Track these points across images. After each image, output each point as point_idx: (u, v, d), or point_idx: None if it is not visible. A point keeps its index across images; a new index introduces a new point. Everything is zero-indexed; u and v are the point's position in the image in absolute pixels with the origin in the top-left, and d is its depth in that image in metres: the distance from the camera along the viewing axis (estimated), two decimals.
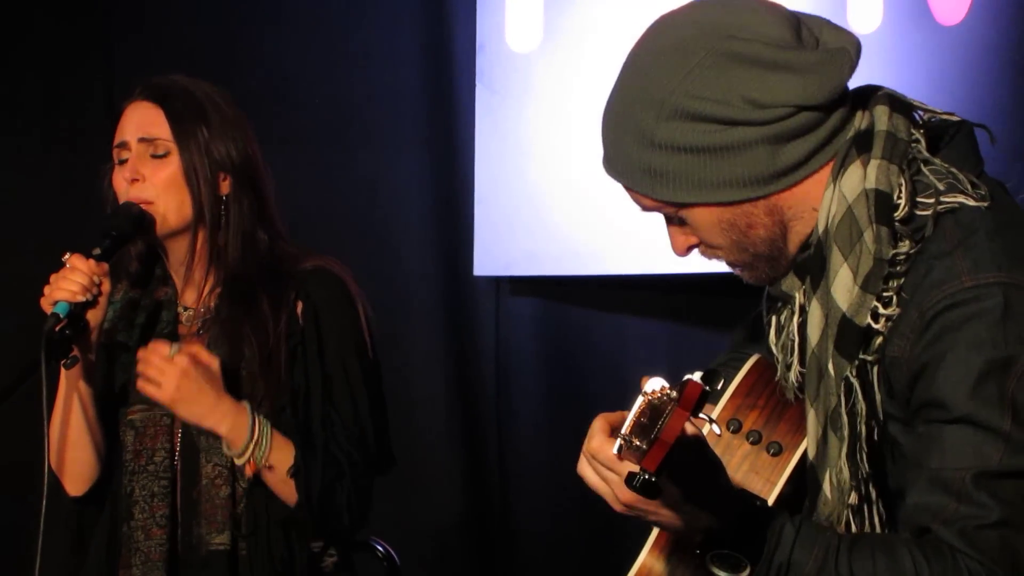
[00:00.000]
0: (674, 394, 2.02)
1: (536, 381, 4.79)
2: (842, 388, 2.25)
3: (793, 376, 2.38)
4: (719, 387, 2.12)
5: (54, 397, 3.11)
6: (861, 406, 2.25)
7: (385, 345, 3.32)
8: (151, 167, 3.13)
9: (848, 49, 2.23)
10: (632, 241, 4.48)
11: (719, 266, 4.35)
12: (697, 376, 2.01)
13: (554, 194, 4.60)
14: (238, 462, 3.07)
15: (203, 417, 3.05)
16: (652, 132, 2.21)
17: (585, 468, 2.21)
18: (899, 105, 2.29)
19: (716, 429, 2.31)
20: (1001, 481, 2.15)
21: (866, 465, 2.26)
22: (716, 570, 2.24)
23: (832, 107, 2.22)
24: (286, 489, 3.10)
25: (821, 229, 2.25)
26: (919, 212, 2.23)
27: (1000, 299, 2.15)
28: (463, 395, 4.85)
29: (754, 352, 2.58)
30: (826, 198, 2.24)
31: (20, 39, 4.80)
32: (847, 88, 2.25)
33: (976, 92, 4.11)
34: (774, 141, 2.20)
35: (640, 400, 2.07)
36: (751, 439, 2.42)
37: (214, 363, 3.07)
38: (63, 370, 3.06)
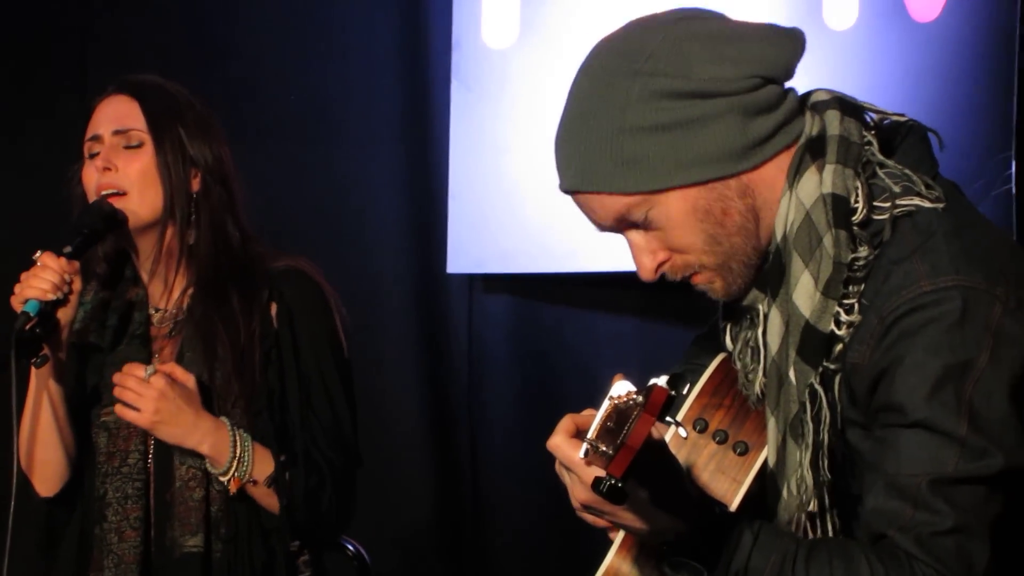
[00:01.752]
0: (640, 399, 2.01)
1: (508, 378, 4.79)
2: (806, 395, 2.24)
3: (757, 386, 2.36)
4: (684, 391, 2.11)
5: (24, 396, 3.09)
6: (825, 414, 2.25)
7: (357, 342, 3.31)
8: (124, 158, 3.12)
9: (798, 31, 2.26)
10: (605, 239, 4.45)
11: None
12: (663, 380, 2.00)
13: (528, 191, 4.60)
14: (222, 479, 3.06)
15: (184, 437, 3.04)
16: (620, 121, 2.20)
17: (556, 466, 2.22)
18: (849, 108, 2.29)
19: (683, 432, 2.30)
20: (957, 487, 2.15)
21: (827, 472, 2.26)
22: (674, 575, 2.24)
23: (786, 91, 2.25)
24: (271, 500, 3.10)
25: (779, 236, 2.24)
26: (876, 216, 2.23)
27: (959, 303, 2.15)
28: (435, 392, 4.85)
29: (716, 355, 2.56)
30: (783, 205, 2.24)
31: None
32: (794, 91, 2.27)
33: (951, 89, 4.12)
34: (743, 113, 2.20)
35: (606, 404, 2.07)
36: (717, 439, 2.41)
37: (190, 381, 3.07)
38: (33, 369, 3.04)
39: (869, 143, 2.27)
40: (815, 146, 2.24)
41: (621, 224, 2.28)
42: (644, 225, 2.27)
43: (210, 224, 3.16)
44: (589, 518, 2.30)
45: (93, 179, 3.12)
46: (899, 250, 2.20)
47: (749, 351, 2.36)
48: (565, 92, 2.25)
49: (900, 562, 2.16)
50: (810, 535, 2.27)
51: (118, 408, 3.05)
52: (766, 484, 2.35)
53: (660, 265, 2.30)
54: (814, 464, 2.25)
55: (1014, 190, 3.96)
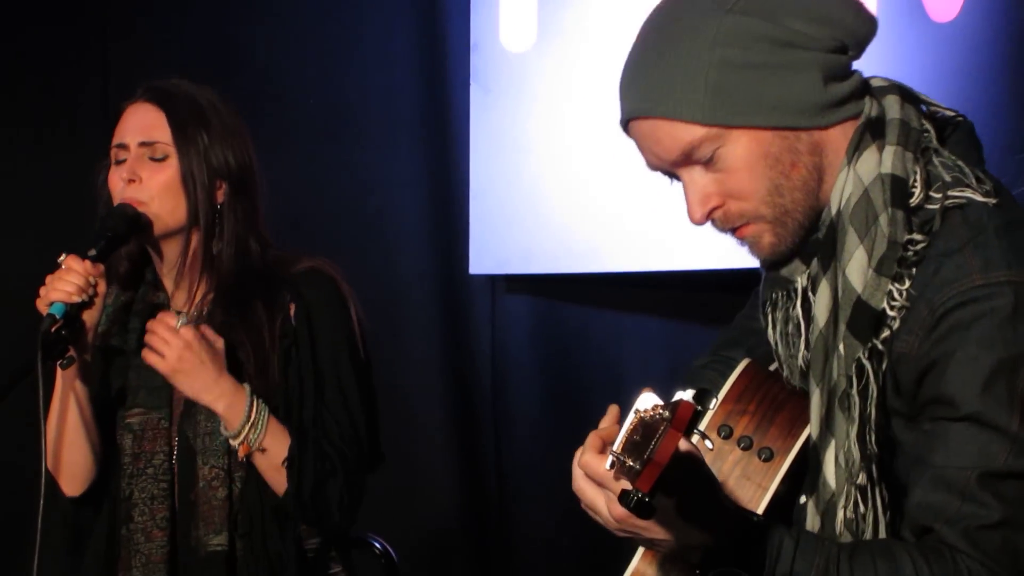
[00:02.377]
0: (667, 414, 2.01)
1: (531, 378, 4.79)
2: (853, 369, 2.23)
3: (800, 361, 2.35)
4: (711, 406, 2.09)
5: (50, 398, 3.11)
6: (873, 388, 2.23)
7: (381, 343, 3.32)
8: (149, 170, 3.13)
9: (874, 16, 2.28)
10: (627, 238, 4.49)
11: (714, 262, 4.34)
12: (689, 395, 2.00)
13: (549, 192, 4.61)
14: (233, 443, 3.08)
15: (201, 392, 3.06)
16: (709, 53, 2.19)
17: (581, 482, 2.20)
18: (908, 95, 2.31)
19: (709, 444, 2.30)
20: (1005, 481, 2.15)
21: (875, 446, 2.24)
22: None
23: (852, 69, 2.26)
24: (278, 477, 3.11)
25: (834, 210, 2.25)
26: (927, 205, 2.23)
27: (1011, 298, 2.15)
28: (459, 392, 4.86)
29: (740, 356, 2.56)
30: (840, 180, 2.25)
31: (15, 39, 4.80)
32: (859, 71, 2.29)
33: (970, 88, 4.12)
34: (823, 70, 2.21)
35: (632, 417, 2.07)
36: (742, 445, 2.40)
37: (219, 341, 3.10)
38: (59, 371, 3.07)
39: (927, 131, 2.28)
40: (875, 127, 2.25)
41: (684, 159, 2.25)
42: (708, 163, 2.24)
43: (234, 235, 3.17)
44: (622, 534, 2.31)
45: (118, 187, 3.14)
46: (950, 243, 2.20)
47: (793, 328, 2.35)
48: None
49: (943, 557, 2.17)
50: (860, 508, 2.25)
51: (144, 352, 3.07)
52: (808, 461, 2.34)
53: (712, 211, 2.27)
54: (861, 438, 2.24)
55: None
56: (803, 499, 2.38)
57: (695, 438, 2.24)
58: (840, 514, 2.27)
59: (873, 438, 2.25)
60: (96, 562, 3.18)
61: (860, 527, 2.26)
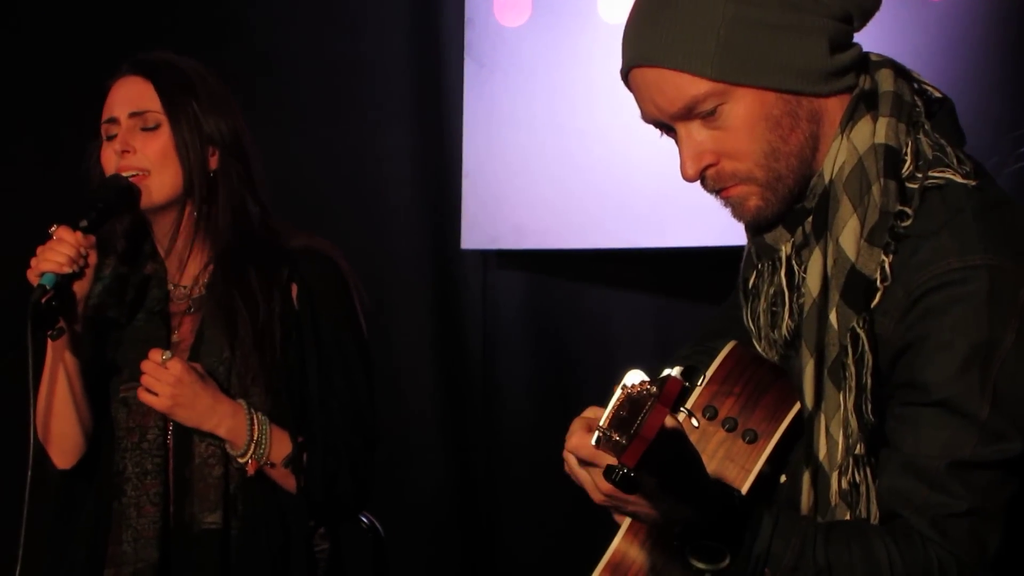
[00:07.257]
0: (654, 389, 2.01)
1: (523, 354, 4.79)
2: (848, 338, 2.22)
3: (784, 331, 2.35)
4: (700, 383, 2.08)
5: (41, 368, 3.11)
6: (868, 357, 2.22)
7: (372, 319, 3.32)
8: (142, 140, 3.13)
9: None
10: (619, 215, 4.49)
11: (703, 240, 4.34)
12: (677, 372, 2.00)
13: (541, 168, 4.61)
14: (240, 461, 3.08)
15: (202, 421, 3.07)
16: (723, 8, 2.19)
17: (571, 461, 2.19)
18: (902, 71, 2.31)
19: (695, 422, 2.30)
20: (974, 470, 2.15)
21: (871, 415, 2.23)
22: (695, 562, 2.24)
23: (854, 42, 2.27)
24: (289, 481, 3.12)
25: (828, 178, 2.25)
26: (909, 184, 2.23)
27: (986, 282, 2.14)
28: (450, 368, 4.86)
29: (726, 341, 2.54)
30: (833, 148, 2.25)
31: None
32: (859, 44, 2.29)
33: (962, 67, 4.12)
34: (829, 38, 2.21)
35: (619, 393, 2.06)
36: (727, 426, 2.40)
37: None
38: (49, 342, 3.06)
39: (918, 106, 2.28)
40: (869, 99, 2.25)
41: (685, 113, 2.24)
42: (708, 120, 2.24)
43: (228, 201, 3.17)
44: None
45: (112, 162, 3.14)
46: (927, 224, 2.20)
47: (776, 296, 2.34)
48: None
49: (914, 545, 2.17)
50: (856, 478, 2.24)
51: (139, 392, 3.07)
52: (794, 438, 2.34)
53: (705, 168, 2.26)
54: (858, 408, 2.23)
55: None
56: (783, 478, 2.39)
57: (681, 416, 2.23)
58: (835, 485, 2.26)
59: (870, 407, 2.23)
60: (86, 535, 3.18)
61: (855, 497, 2.25)
